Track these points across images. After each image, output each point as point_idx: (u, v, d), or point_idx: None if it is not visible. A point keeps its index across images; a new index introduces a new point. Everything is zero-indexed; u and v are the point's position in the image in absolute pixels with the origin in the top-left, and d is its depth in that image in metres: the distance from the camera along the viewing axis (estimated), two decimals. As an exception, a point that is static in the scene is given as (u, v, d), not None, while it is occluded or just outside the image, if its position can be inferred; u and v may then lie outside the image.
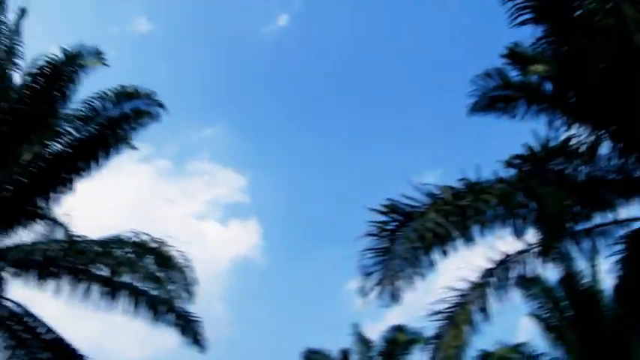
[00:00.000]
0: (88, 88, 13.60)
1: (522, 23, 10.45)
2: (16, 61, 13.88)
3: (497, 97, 12.10)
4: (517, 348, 17.91)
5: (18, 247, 12.72)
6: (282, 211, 45.87)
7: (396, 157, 39.97)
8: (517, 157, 10.79)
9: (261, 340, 38.23)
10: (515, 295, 12.01)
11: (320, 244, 43.54)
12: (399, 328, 22.37)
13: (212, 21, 47.60)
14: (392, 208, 9.96)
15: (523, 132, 11.28)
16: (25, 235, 13.26)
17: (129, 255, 11.79)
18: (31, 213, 13.27)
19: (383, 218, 9.94)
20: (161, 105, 13.58)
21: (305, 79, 48.48)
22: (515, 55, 11.70)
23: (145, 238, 11.95)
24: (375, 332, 23.68)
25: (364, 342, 23.47)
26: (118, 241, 12.04)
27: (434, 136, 45.08)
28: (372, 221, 9.89)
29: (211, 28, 47.99)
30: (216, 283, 39.15)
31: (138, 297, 12.69)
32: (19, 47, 14.02)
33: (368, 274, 9.61)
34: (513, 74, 11.93)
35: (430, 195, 9.96)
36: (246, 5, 47.33)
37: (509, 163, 10.74)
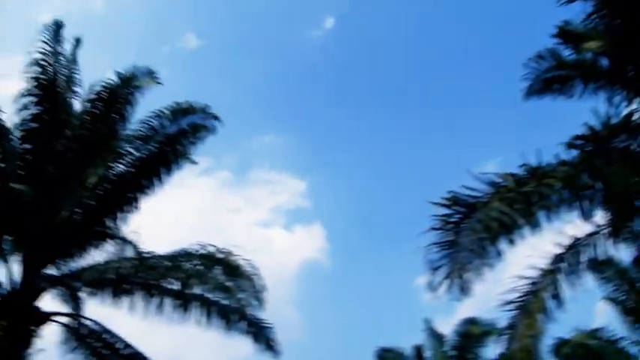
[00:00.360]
0: (145, 107, 14.04)
1: (571, 0, 10.23)
2: (75, 89, 14.45)
3: (552, 79, 11.87)
4: (594, 333, 17.40)
5: (92, 268, 13.14)
6: (344, 213, 45.96)
7: (455, 149, 39.61)
8: (578, 137, 10.51)
9: (333, 342, 38.40)
10: (589, 280, 11.71)
11: (385, 242, 43.44)
12: (471, 321, 22.06)
13: (259, 30, 48.12)
14: (454, 201, 9.86)
15: (582, 111, 11.04)
16: (97, 256, 13.73)
17: (198, 267, 12.02)
18: (101, 234, 13.70)
19: (446, 211, 9.86)
20: (216, 117, 13.86)
21: (356, 79, 48.45)
22: (566, 34, 11.45)
23: (211, 249, 12.16)
24: (448, 326, 23.47)
25: (437, 337, 23.24)
26: (186, 255, 12.29)
27: (491, 124, 44.38)
28: (435, 215, 9.83)
29: (259, 37, 48.54)
30: (286, 288, 39.49)
31: (209, 307, 12.93)
32: (76, 75, 14.59)
33: (436, 269, 9.54)
34: (566, 53, 11.68)
35: (492, 184, 9.82)
36: (292, 11, 47.62)
37: (570, 145, 10.47)
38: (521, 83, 12.19)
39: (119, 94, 14.04)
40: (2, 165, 13.14)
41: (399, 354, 23.29)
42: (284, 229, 47.52)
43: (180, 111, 13.68)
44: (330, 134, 48.09)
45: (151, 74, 14.22)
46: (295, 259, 46.19)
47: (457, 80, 46.34)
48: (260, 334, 13.55)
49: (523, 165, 9.87)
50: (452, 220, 9.83)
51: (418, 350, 23.28)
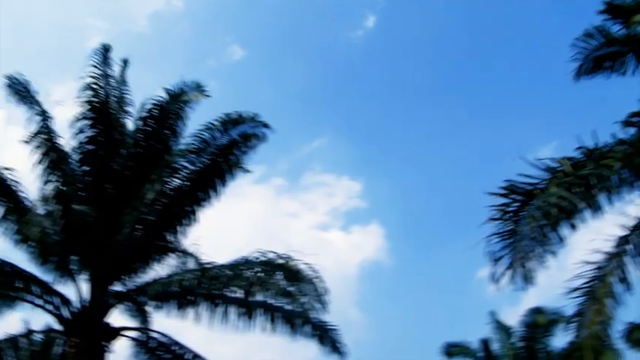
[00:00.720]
0: (197, 121, 14.28)
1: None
2: (127, 108, 14.83)
3: (602, 57, 11.58)
4: (667, 315, 16.87)
5: (156, 282, 13.42)
6: (400, 210, 45.90)
7: (508, 137, 39.05)
8: (635, 114, 10.24)
9: (398, 340, 38.24)
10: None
11: (444, 236, 43.16)
12: (537, 310, 21.72)
13: (301, 35, 48.45)
14: (511, 189, 9.73)
15: (636, 88, 10.74)
16: (160, 270, 14.03)
17: (259, 274, 12.12)
18: (163, 248, 13.98)
19: (504, 201, 9.72)
20: (266, 125, 13.99)
21: (401, 75, 48.25)
22: (614, 9, 11.16)
23: (271, 256, 12.27)
24: (514, 318, 23.15)
25: (503, 329, 22.94)
26: (246, 263, 12.43)
27: (542, 109, 43.57)
28: (493, 205, 9.70)
29: (302, 42, 48.87)
30: (348, 289, 39.62)
31: (273, 313, 13.06)
32: (127, 96, 14.98)
33: (497, 260, 9.40)
34: (616, 29, 11.38)
35: (549, 169, 9.64)
36: (332, 13, 47.77)
37: (627, 123, 10.20)
38: (571, 64, 11.93)
39: (169, 110, 14.35)
40: (64, 188, 13.55)
41: (466, 348, 23.07)
42: (342, 230, 47.79)
43: (230, 122, 13.86)
44: (380, 132, 48.10)
45: (199, 88, 14.49)
46: (355, 259, 46.31)
47: (503, 68, 45.72)
48: (325, 336, 13.61)
49: (579, 147, 9.65)
50: (510, 209, 9.69)
51: (485, 343, 23.01)
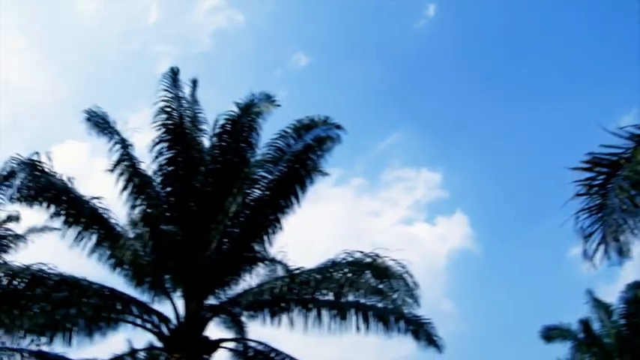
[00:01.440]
0: (271, 130, 14.50)
1: None
2: (201, 127, 15.19)
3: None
4: None
5: (247, 292, 13.68)
6: (483, 196, 45.43)
7: (586, 109, 37.85)
8: None
9: (494, 328, 37.76)
10: None
11: (530, 217, 42.38)
12: (637, 285, 20.94)
13: (363, 33, 48.50)
14: (595, 162, 9.42)
15: None
16: (251, 280, 14.31)
17: (348, 275, 12.17)
18: (251, 258, 14.25)
19: (588, 175, 9.46)
20: (338, 127, 14.03)
21: (468, 61, 47.62)
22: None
23: (358, 255, 12.29)
24: (613, 295, 22.45)
25: (603, 307, 22.23)
26: (334, 265, 12.50)
27: (618, 77, 42.01)
28: (577, 181, 9.44)
29: (364, 41, 48.92)
30: (438, 281, 39.42)
31: (366, 312, 13.08)
32: (200, 114, 15.36)
33: (588, 236, 9.14)
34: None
35: (632, 137, 9.31)
36: (391, 7, 47.56)
37: None
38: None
39: (242, 123, 14.63)
40: (150, 211, 14.00)
41: (566, 330, 22.47)
42: (426, 223, 47.54)
43: (303, 127, 13.99)
44: (453, 119, 47.62)
45: (268, 99, 14.71)
46: (443, 250, 46.00)
47: (572, 39, 44.38)
48: (420, 330, 13.56)
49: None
50: (596, 182, 9.41)
51: (585, 324, 22.34)
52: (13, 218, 18.53)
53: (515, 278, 40.26)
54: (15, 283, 12.51)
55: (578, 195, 9.37)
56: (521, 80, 46.06)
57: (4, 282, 12.46)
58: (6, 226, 18.54)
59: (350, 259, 12.39)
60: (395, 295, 11.88)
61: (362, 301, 12.96)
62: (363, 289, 12.26)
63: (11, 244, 18.55)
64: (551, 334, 22.51)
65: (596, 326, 22.23)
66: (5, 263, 14.48)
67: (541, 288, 37.38)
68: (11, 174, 13.76)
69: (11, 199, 13.80)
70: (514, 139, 45.27)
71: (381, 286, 12.03)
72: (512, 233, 43.15)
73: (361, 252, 12.32)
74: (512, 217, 44.16)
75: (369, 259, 12.06)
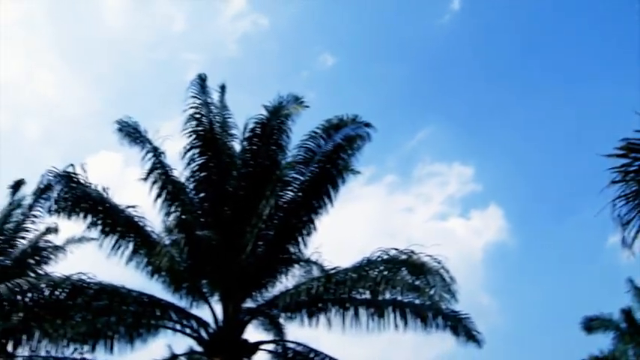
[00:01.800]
0: (301, 132, 14.52)
1: None
2: (231, 131, 15.31)
3: None
4: None
5: (284, 293, 13.71)
6: (517, 188, 44.94)
7: (617, 95, 37.17)
8: None
9: (534, 320, 37.33)
10: None
11: (567, 206, 41.89)
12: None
13: (388, 31, 48.23)
14: (629, 148, 9.23)
15: None
16: (287, 281, 14.40)
17: (384, 273, 12.13)
18: (286, 260, 14.35)
19: (623, 161, 9.30)
20: (368, 125, 13.98)
21: (495, 50, 47.14)
22: None
23: (393, 253, 12.24)
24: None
25: (645, 295, 21.84)
26: (369, 263, 12.46)
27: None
28: (612, 168, 9.30)
29: (389, 38, 48.67)
30: (476, 275, 39.14)
31: (403, 309, 13.03)
32: (229, 119, 15.47)
33: (626, 223, 8.99)
34: None
35: (668, 121, 9.13)
36: (415, 3, 47.33)
37: None
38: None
39: (271, 126, 14.69)
40: (184, 217, 14.15)
41: (607, 320, 22.11)
42: (461, 217, 47.11)
43: (332, 127, 13.98)
44: (482, 112, 47.14)
45: (297, 100, 14.74)
46: (478, 244, 45.55)
47: (602, 26, 43.62)
48: (458, 326, 13.47)
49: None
50: (632, 168, 9.24)
51: (627, 313, 21.96)
52: (52, 230, 18.87)
53: (553, 269, 39.74)
54: (56, 293, 12.76)
55: (614, 182, 9.22)
56: (550, 69, 45.43)
57: (46, 293, 12.71)
58: (45, 238, 18.87)
59: (385, 256, 12.34)
60: (432, 291, 11.79)
61: (399, 298, 12.89)
62: (399, 286, 12.20)
63: (51, 256, 18.87)
64: (592, 324, 22.17)
65: (639, 315, 21.82)
66: (46, 274, 14.73)
67: (580, 278, 36.91)
68: (48, 187, 14.04)
69: (49, 212, 14.08)
70: (545, 128, 44.72)
71: (417, 282, 11.95)
72: (548, 224, 42.67)
73: (396, 249, 12.27)
74: (548, 207, 43.67)
75: (404, 256, 12.01)
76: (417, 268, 11.81)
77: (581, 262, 38.30)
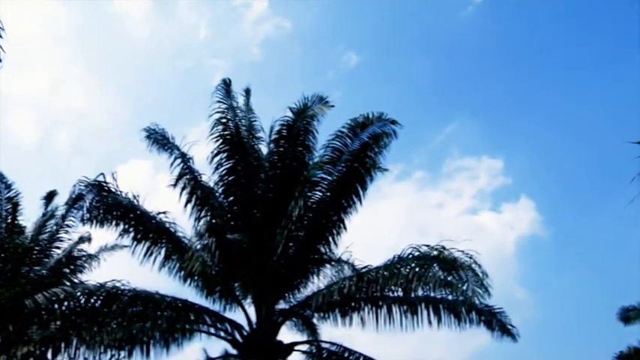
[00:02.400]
0: (328, 132, 14.49)
1: None
2: (258, 134, 15.40)
3: None
4: None
5: (317, 294, 13.70)
6: (547, 179, 44.55)
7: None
8: None
9: (571, 312, 36.90)
10: None
11: (599, 196, 41.46)
12: None
13: (410, 26, 48.20)
14: (660, 135, 9.14)
15: None
16: (318, 281, 14.42)
17: (415, 270, 12.07)
18: (317, 260, 14.37)
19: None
20: (394, 122, 13.90)
21: (520, 41, 46.74)
22: None
23: (424, 249, 12.16)
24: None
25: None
26: (401, 260, 12.40)
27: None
28: (641, 155, 9.15)
29: (412, 33, 48.62)
30: (509, 269, 38.87)
31: (436, 306, 12.97)
32: (255, 122, 15.58)
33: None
34: None
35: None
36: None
37: None
38: None
39: (297, 127, 14.71)
40: (215, 221, 14.24)
41: (645, 311, 21.76)
42: (492, 211, 46.78)
43: (358, 125, 13.93)
44: (508, 105, 46.69)
45: (322, 101, 14.74)
46: (511, 237, 45.14)
47: (628, 15, 42.92)
48: (493, 320, 13.41)
49: None
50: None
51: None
52: (85, 239, 19.14)
53: (588, 259, 39.26)
54: (92, 301, 12.98)
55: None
56: (575, 58, 44.89)
57: (82, 301, 12.94)
58: (79, 247, 19.16)
59: (416, 253, 12.28)
60: (464, 287, 11.69)
61: (431, 294, 12.80)
62: (431, 282, 12.11)
63: (85, 265, 19.15)
64: (629, 315, 21.81)
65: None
66: (82, 283, 14.96)
67: (617, 267, 36.27)
68: (80, 196, 14.24)
69: (82, 221, 14.28)
70: (574, 118, 44.14)
71: (449, 278, 11.85)
72: (580, 214, 42.18)
73: (427, 245, 12.19)
74: (579, 197, 43.21)
75: (435, 252, 11.93)
76: (448, 263, 11.72)
77: (617, 252, 37.75)
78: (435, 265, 12.00)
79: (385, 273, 12.55)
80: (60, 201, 19.41)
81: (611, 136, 37.84)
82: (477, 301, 12.59)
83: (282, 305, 14.49)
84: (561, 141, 45.05)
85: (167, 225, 14.34)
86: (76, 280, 18.02)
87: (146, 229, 14.23)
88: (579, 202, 43.84)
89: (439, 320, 13.08)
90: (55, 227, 19.09)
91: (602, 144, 41.96)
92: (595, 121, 42.89)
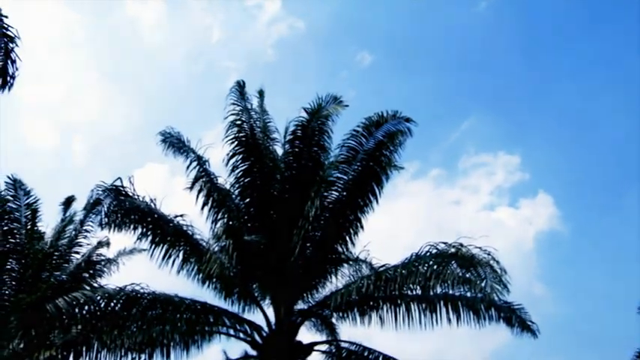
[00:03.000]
0: (342, 132, 14.48)
1: None
2: (272, 135, 15.44)
3: None
4: None
5: (335, 293, 13.72)
6: (565, 174, 44.14)
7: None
8: None
9: (592, 307, 36.60)
10: None
11: (618, 189, 41.02)
12: None
13: (424, 24, 48.10)
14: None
15: None
16: (337, 281, 14.43)
17: (433, 267, 12.04)
18: (335, 260, 14.38)
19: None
20: (408, 120, 13.85)
21: (534, 34, 46.44)
22: None
23: (442, 247, 12.13)
24: None
25: None
26: (418, 258, 12.38)
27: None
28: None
29: (426, 31, 48.55)
30: (528, 265, 38.65)
31: (455, 303, 12.89)
32: (270, 123, 15.60)
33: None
34: None
35: None
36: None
37: None
38: None
39: (312, 127, 14.72)
40: (232, 223, 14.30)
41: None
42: (510, 207, 46.38)
43: (372, 124, 13.90)
44: (523, 100, 46.34)
45: (336, 100, 14.73)
46: (529, 233, 44.73)
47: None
48: (512, 317, 13.30)
49: None
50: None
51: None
52: (104, 243, 19.28)
53: (609, 254, 38.80)
54: (112, 304, 13.10)
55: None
56: (591, 53, 44.51)
57: (102, 304, 13.06)
58: (98, 251, 19.30)
59: (434, 251, 12.25)
60: (483, 284, 11.64)
61: (450, 292, 12.74)
62: (450, 280, 12.07)
63: (104, 269, 19.29)
64: (650, 310, 21.58)
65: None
66: (101, 287, 15.11)
67: (636, 262, 35.83)
68: (98, 201, 14.35)
69: (100, 225, 14.37)
70: (590, 111, 43.76)
71: (468, 275, 11.82)
72: (601, 208, 41.69)
73: (445, 243, 12.16)
74: (599, 191, 42.72)
75: (453, 250, 11.90)
76: (466, 260, 11.69)
77: (636, 246, 37.30)
78: (453, 262, 11.97)
79: (403, 271, 12.54)
80: (78, 206, 19.61)
81: (629, 130, 37.49)
82: (496, 298, 12.52)
83: (300, 305, 14.52)
84: (578, 135, 44.75)
85: (184, 228, 14.40)
86: (95, 285, 18.15)
87: (164, 232, 14.30)
88: (598, 197, 43.45)
89: (458, 318, 12.98)
90: (74, 232, 19.28)
91: (619, 138, 41.60)
92: (612, 115, 42.51)
